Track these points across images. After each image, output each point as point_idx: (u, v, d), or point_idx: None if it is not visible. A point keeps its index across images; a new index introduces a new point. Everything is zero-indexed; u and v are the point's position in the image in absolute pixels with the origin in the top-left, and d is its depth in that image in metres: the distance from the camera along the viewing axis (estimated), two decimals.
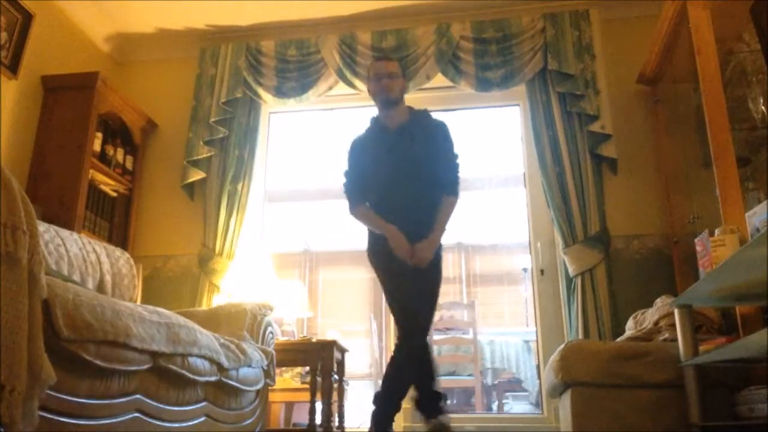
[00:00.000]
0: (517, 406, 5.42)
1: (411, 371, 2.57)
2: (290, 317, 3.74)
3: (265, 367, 2.76)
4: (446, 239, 2.71)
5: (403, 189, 2.67)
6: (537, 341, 3.69)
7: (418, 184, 2.66)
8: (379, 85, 2.71)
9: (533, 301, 3.77)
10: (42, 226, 2.55)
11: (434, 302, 2.66)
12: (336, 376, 3.31)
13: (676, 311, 2.26)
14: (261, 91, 3.99)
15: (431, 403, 2.57)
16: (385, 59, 2.85)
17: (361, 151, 2.80)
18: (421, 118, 2.80)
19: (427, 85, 3.86)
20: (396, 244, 2.55)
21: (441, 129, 2.77)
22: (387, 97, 2.71)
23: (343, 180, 2.79)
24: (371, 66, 2.85)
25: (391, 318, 3.81)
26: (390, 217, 2.63)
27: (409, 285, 2.54)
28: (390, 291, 2.64)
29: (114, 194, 3.86)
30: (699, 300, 2.25)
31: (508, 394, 5.52)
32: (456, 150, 2.75)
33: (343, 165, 2.81)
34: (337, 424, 3.34)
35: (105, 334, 1.59)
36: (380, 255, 2.64)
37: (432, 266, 2.60)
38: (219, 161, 3.96)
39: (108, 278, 2.89)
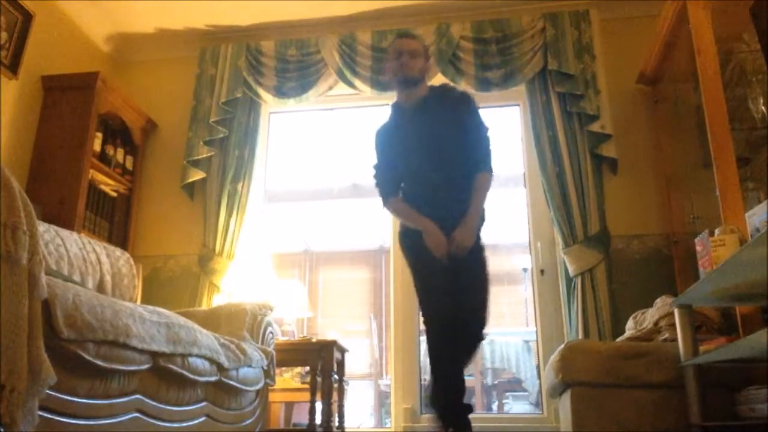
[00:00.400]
0: (517, 406, 5.42)
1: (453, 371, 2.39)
2: (290, 317, 3.74)
3: (265, 367, 2.76)
4: None
5: (431, 170, 2.50)
6: (537, 341, 3.69)
7: (446, 163, 2.50)
8: (398, 63, 2.55)
9: (533, 301, 3.77)
10: (42, 226, 2.55)
11: (484, 298, 2.44)
12: (336, 376, 3.31)
13: (676, 311, 2.26)
14: (261, 91, 3.99)
15: (457, 414, 2.38)
16: (407, 36, 2.67)
17: (384, 139, 2.66)
18: (441, 91, 2.64)
19: None
20: (431, 241, 2.40)
21: (464, 100, 2.60)
22: (404, 76, 2.55)
23: (372, 173, 2.66)
24: (392, 43, 2.68)
25: (392, 318, 3.81)
26: (423, 203, 2.49)
27: (446, 284, 2.37)
28: (421, 288, 2.48)
29: (114, 194, 3.86)
30: (699, 300, 2.25)
31: (508, 394, 5.53)
32: (485, 123, 2.57)
33: (371, 158, 2.68)
34: (337, 424, 3.33)
35: (105, 334, 1.59)
36: (413, 248, 2.49)
37: (473, 255, 2.41)
38: (219, 161, 3.96)
39: (108, 278, 2.89)
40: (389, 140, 2.66)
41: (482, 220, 2.56)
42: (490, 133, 2.58)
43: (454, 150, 2.51)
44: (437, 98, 2.61)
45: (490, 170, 2.53)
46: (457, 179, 2.50)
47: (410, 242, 2.53)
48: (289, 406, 3.96)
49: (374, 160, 2.68)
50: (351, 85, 3.91)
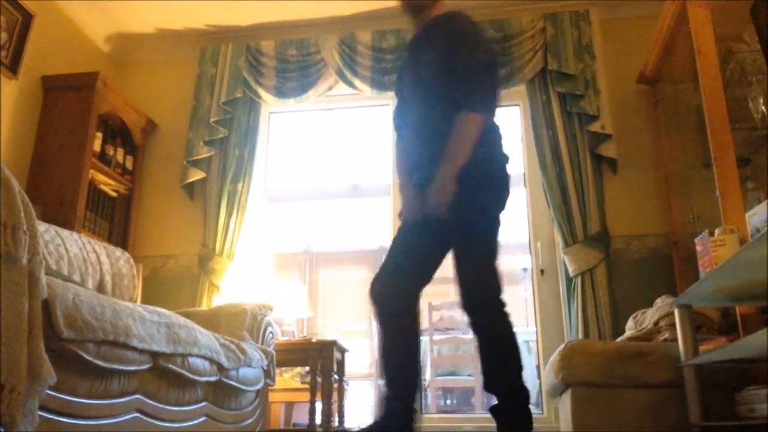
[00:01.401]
0: None
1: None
2: (290, 317, 3.74)
3: (265, 367, 2.76)
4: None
5: (412, 113, 2.21)
6: (537, 341, 3.69)
7: (424, 110, 2.13)
8: None
9: (533, 301, 3.77)
10: (42, 226, 2.55)
11: (481, 268, 2.08)
12: (336, 376, 3.31)
13: (676, 311, 2.26)
14: (261, 91, 3.99)
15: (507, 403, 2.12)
16: None
17: (398, 76, 2.44)
18: (436, 21, 2.16)
19: None
20: (403, 203, 2.20)
21: (444, 26, 2.11)
22: (403, 1, 2.22)
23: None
24: None
25: None
26: (404, 151, 2.27)
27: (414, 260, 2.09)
28: (396, 246, 2.20)
29: (114, 194, 3.86)
30: (699, 300, 2.25)
31: None
32: (475, 52, 2.03)
33: None
34: (337, 424, 3.33)
35: (105, 334, 1.59)
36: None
37: (458, 218, 1.98)
38: (219, 161, 3.96)
39: (108, 278, 2.89)
40: (398, 74, 2.44)
41: (469, 174, 1.99)
42: (477, 64, 2.03)
43: (432, 91, 2.10)
44: (433, 28, 2.19)
45: (473, 109, 1.99)
46: (430, 127, 2.09)
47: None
48: (289, 406, 3.96)
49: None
50: (351, 85, 3.91)
